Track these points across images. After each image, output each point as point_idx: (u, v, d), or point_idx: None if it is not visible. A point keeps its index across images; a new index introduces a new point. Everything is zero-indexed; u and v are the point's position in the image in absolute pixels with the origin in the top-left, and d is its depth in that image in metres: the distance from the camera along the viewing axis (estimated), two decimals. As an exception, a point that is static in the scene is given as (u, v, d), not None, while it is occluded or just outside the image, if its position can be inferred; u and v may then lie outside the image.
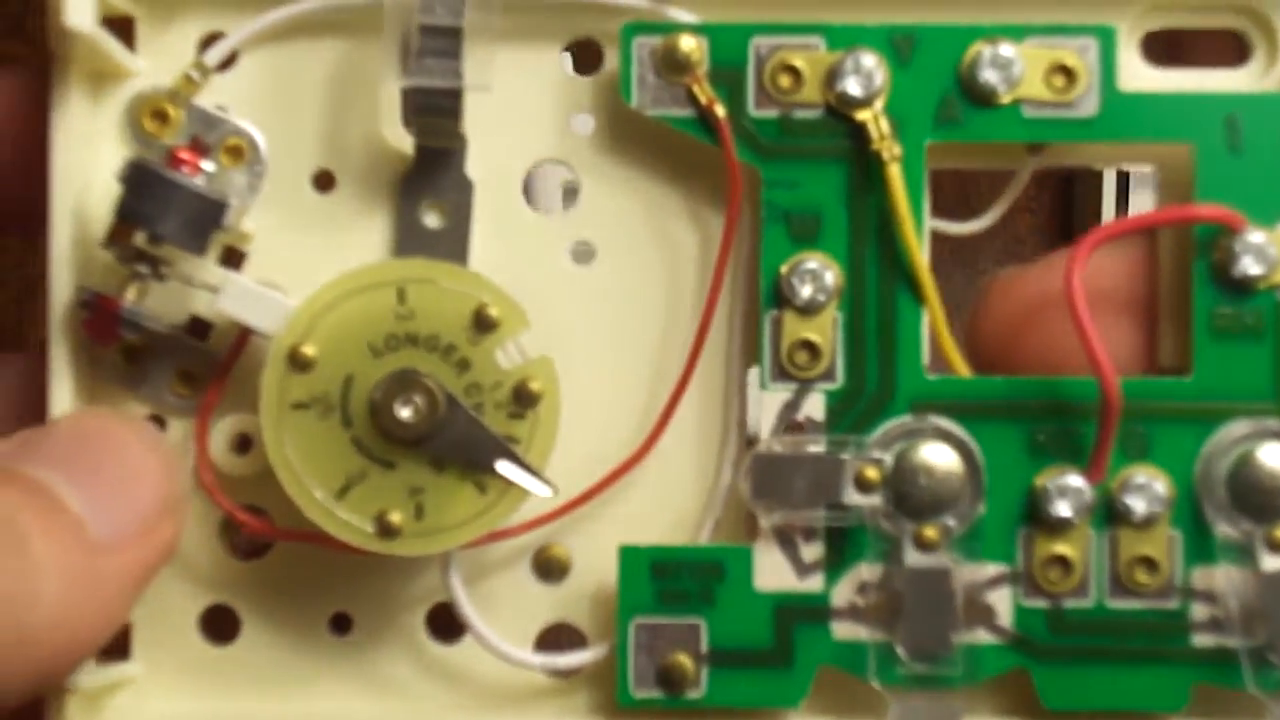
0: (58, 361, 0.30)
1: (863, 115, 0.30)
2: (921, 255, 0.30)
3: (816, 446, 0.30)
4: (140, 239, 0.29)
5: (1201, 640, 0.30)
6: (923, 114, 0.30)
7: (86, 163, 0.30)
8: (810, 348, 0.30)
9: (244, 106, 0.31)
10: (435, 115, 0.30)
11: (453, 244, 0.31)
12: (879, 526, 0.30)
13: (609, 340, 0.31)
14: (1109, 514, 0.30)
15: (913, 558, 0.30)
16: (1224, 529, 0.30)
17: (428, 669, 0.32)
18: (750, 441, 0.31)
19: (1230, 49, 0.31)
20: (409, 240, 0.31)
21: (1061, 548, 0.30)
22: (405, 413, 0.29)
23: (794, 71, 0.30)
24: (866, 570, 0.30)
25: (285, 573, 0.31)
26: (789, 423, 0.30)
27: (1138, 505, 0.30)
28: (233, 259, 0.31)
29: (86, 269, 0.30)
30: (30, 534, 0.26)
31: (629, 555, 0.30)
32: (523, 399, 0.29)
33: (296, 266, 0.31)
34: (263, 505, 0.31)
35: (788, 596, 0.30)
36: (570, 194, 0.32)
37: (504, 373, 0.29)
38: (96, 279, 0.30)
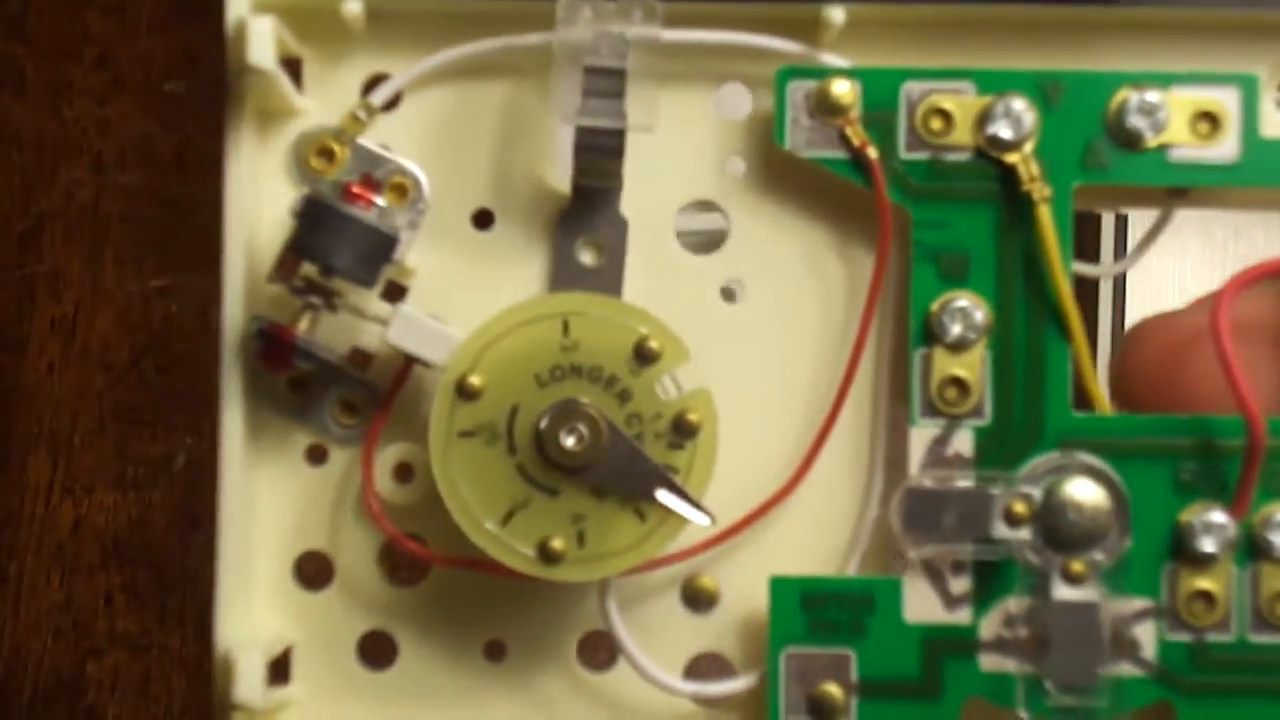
0: (229, 390, 0.31)
1: (1012, 158, 0.31)
2: (1069, 294, 0.31)
3: (965, 481, 0.31)
4: (310, 271, 0.30)
5: (1344, 675, 0.31)
6: (1070, 157, 0.31)
7: (255, 197, 0.31)
8: (959, 384, 0.31)
9: (406, 145, 0.32)
10: (599, 155, 0.30)
11: (607, 280, 0.32)
12: (1027, 560, 0.31)
13: (759, 375, 0.32)
14: (1251, 549, 0.31)
15: (1060, 591, 0.30)
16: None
17: (580, 695, 0.32)
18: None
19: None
20: (565, 276, 0.32)
21: (1205, 582, 0.31)
22: (569, 441, 0.30)
23: (945, 115, 0.31)
24: (1014, 603, 0.31)
25: (441, 600, 0.32)
26: (938, 457, 0.31)
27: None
28: (393, 293, 0.32)
29: (254, 300, 0.31)
30: None
31: (780, 586, 0.31)
32: (682, 430, 0.30)
33: (455, 301, 0.32)
34: (420, 533, 0.32)
35: (936, 629, 0.31)
36: (719, 235, 0.33)
37: (664, 404, 0.30)
38: (263, 310, 0.31)
